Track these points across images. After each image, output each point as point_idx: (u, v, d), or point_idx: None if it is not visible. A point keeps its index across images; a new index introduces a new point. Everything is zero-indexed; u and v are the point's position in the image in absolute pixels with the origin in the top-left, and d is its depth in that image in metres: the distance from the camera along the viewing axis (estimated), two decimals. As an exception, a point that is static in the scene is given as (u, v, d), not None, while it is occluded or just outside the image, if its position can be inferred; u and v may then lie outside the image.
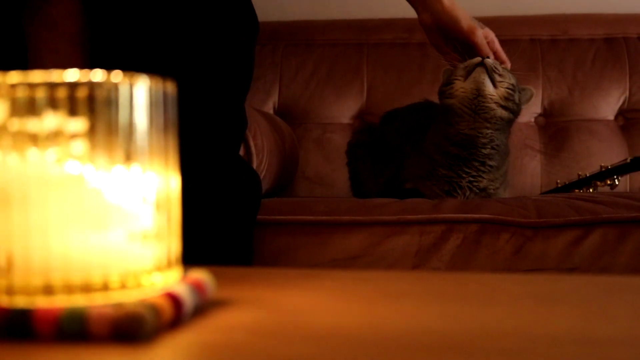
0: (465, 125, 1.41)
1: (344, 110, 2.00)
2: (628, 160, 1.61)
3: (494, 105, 1.40)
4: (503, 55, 1.40)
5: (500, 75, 1.39)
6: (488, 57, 1.37)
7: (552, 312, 0.49)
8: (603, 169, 1.61)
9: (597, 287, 0.59)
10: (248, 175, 1.18)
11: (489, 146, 1.42)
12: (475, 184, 1.44)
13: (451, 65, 1.41)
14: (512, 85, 1.41)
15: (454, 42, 1.35)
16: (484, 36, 1.35)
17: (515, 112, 1.43)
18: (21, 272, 0.41)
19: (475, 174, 1.44)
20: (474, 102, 1.40)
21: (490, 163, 1.43)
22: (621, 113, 1.97)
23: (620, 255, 1.26)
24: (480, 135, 1.41)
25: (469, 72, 1.38)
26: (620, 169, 1.60)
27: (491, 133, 1.42)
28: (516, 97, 1.42)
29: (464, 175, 1.44)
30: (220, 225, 1.10)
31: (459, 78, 1.40)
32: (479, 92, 1.39)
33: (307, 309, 0.49)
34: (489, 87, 1.39)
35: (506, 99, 1.40)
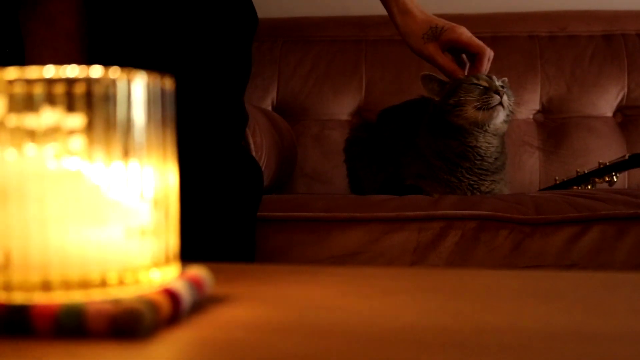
0: (472, 139, 1.43)
1: (342, 106, 2.00)
2: (626, 157, 1.61)
3: (500, 126, 1.43)
4: (476, 44, 1.37)
5: (509, 103, 1.42)
6: (498, 93, 1.38)
7: (550, 309, 0.49)
8: (601, 166, 1.61)
9: (596, 284, 0.59)
10: (250, 165, 1.18)
11: (495, 154, 1.45)
12: (476, 187, 1.45)
13: (450, 76, 1.40)
14: (513, 101, 1.44)
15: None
16: (450, 39, 1.34)
17: (511, 118, 1.47)
18: (19, 268, 0.41)
19: (477, 179, 1.45)
20: (484, 127, 1.42)
21: (494, 168, 1.45)
22: (619, 110, 1.97)
23: (619, 251, 1.26)
24: (489, 145, 1.44)
25: (485, 104, 1.39)
26: (619, 166, 1.60)
27: (496, 142, 1.45)
28: (512, 107, 1.44)
29: (464, 180, 1.45)
30: (223, 217, 1.10)
31: (471, 103, 1.39)
32: (492, 123, 1.41)
33: (305, 305, 0.49)
34: (501, 117, 1.42)
35: (508, 115, 1.43)
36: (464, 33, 1.36)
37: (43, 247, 0.41)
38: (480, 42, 1.37)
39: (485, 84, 1.39)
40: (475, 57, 1.39)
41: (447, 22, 1.36)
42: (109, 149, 0.43)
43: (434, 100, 1.47)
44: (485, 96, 1.39)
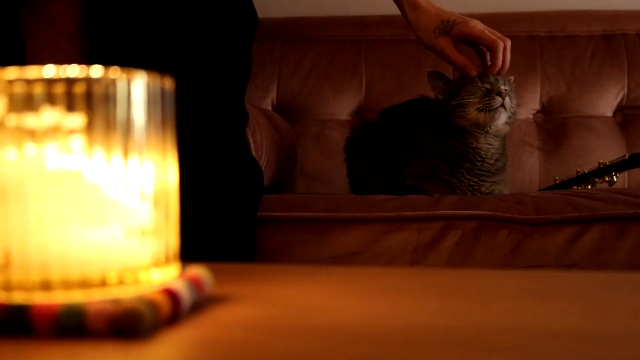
0: (473, 140, 1.43)
1: (342, 106, 2.00)
2: (626, 157, 1.61)
3: (502, 127, 1.43)
4: (488, 38, 1.35)
5: (511, 105, 1.41)
6: (500, 95, 1.38)
7: (550, 308, 0.49)
8: (601, 166, 1.61)
9: (595, 284, 0.59)
10: (250, 165, 1.18)
11: (495, 155, 1.45)
12: (477, 188, 1.45)
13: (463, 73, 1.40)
14: (515, 102, 1.44)
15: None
16: (462, 33, 1.33)
17: (513, 120, 1.47)
18: (19, 267, 0.41)
19: (477, 180, 1.45)
20: (486, 128, 1.42)
21: (494, 169, 1.45)
22: (619, 110, 1.96)
23: (618, 251, 1.26)
24: (490, 146, 1.44)
25: (487, 106, 1.39)
26: (619, 166, 1.60)
27: (497, 144, 1.45)
28: (514, 109, 1.44)
29: (464, 181, 1.45)
30: (223, 217, 1.10)
31: (473, 105, 1.39)
32: (493, 125, 1.42)
33: (305, 305, 0.49)
34: (503, 120, 1.42)
35: (510, 117, 1.43)
36: (476, 26, 1.34)
37: (43, 247, 0.41)
38: (491, 36, 1.34)
39: (488, 86, 1.39)
40: (490, 51, 1.37)
41: (459, 15, 1.33)
42: (108, 149, 0.43)
43: (437, 99, 1.47)
44: (487, 98, 1.39)
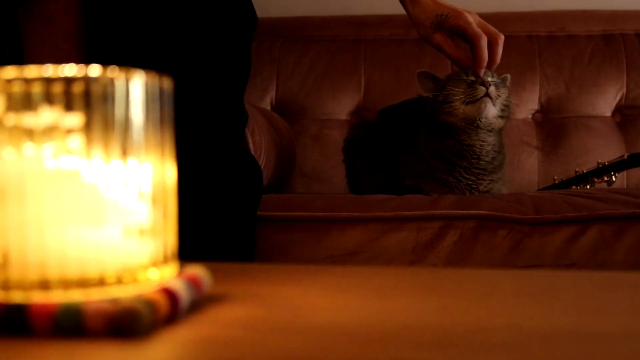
0: (466, 137, 1.42)
1: (341, 106, 2.00)
2: (625, 157, 1.61)
3: (494, 120, 1.42)
4: (471, 32, 1.30)
5: (498, 94, 1.40)
6: (484, 85, 1.37)
7: (549, 308, 0.49)
8: (600, 166, 1.61)
9: (594, 283, 0.59)
10: (249, 165, 1.18)
11: (491, 153, 1.44)
12: (475, 187, 1.45)
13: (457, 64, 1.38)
14: (507, 95, 1.43)
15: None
16: (452, 25, 1.30)
17: (508, 114, 1.46)
18: (17, 267, 0.41)
19: (475, 178, 1.45)
20: (476, 122, 1.41)
21: (491, 168, 1.45)
22: (618, 109, 1.97)
23: (617, 251, 1.26)
24: (484, 143, 1.43)
25: (471, 97, 1.38)
26: (617, 166, 1.60)
27: (491, 140, 1.44)
28: (508, 102, 1.43)
29: (462, 180, 1.45)
30: (223, 216, 1.10)
31: (459, 99, 1.39)
32: (482, 116, 1.40)
33: (304, 305, 0.49)
34: (491, 111, 1.40)
35: (503, 110, 1.42)
36: (465, 19, 1.31)
37: (41, 246, 0.41)
38: (476, 30, 1.29)
39: (472, 77, 1.39)
40: (472, 46, 1.32)
41: (453, 8, 1.30)
42: (107, 148, 0.43)
43: (429, 99, 1.47)
44: (471, 89, 1.38)
